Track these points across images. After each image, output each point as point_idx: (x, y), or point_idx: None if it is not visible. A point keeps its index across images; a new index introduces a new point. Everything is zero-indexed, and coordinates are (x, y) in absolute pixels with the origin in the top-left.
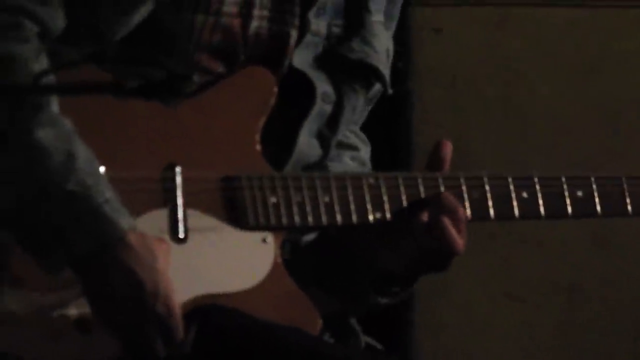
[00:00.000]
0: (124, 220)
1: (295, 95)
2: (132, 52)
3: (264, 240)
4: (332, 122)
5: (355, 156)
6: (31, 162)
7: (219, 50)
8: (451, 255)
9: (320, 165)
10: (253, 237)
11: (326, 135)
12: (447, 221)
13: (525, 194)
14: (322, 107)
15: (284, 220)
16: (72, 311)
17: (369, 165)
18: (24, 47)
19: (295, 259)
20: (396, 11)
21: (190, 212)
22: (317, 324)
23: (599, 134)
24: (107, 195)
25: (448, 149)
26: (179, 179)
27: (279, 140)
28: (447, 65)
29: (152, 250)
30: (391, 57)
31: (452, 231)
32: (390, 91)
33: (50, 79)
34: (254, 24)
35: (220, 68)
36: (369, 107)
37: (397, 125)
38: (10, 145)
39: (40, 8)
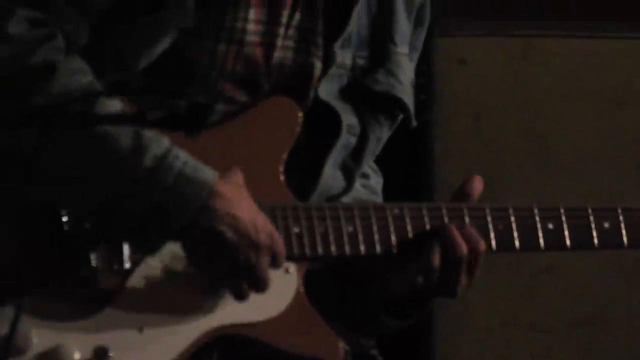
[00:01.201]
0: (207, 174)
1: (321, 126)
2: (155, 81)
3: (287, 271)
4: (357, 153)
5: (366, 184)
6: (103, 151)
7: (242, 80)
8: (455, 285)
9: (343, 197)
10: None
11: (350, 167)
12: (438, 251)
13: (550, 225)
14: (347, 138)
15: (307, 251)
16: (92, 342)
17: (379, 194)
18: (62, 54)
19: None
20: (419, 43)
21: None
22: (340, 354)
23: (623, 165)
24: (183, 158)
25: (477, 183)
26: None
27: (304, 171)
28: (470, 96)
29: (240, 189)
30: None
31: (436, 262)
32: (414, 123)
33: (97, 86)
34: (278, 54)
35: (243, 97)
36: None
37: (420, 156)
38: (79, 144)
39: (67, 24)
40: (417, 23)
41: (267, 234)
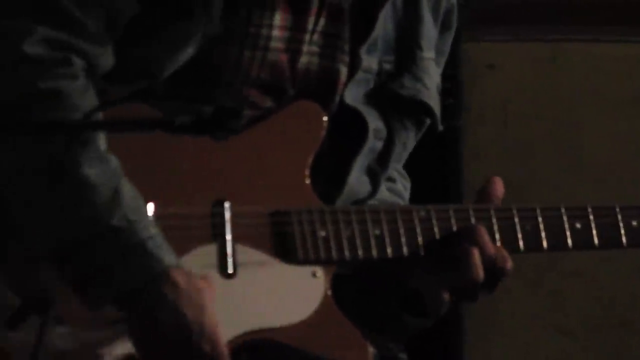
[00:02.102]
0: (168, 257)
1: (347, 131)
2: (180, 88)
3: (314, 275)
4: (382, 158)
5: (392, 187)
6: (79, 199)
7: (267, 86)
8: (474, 287)
9: (369, 201)
10: (303, 271)
11: (376, 171)
12: (474, 252)
13: (578, 225)
14: (374, 143)
15: (334, 254)
16: (118, 350)
17: (406, 198)
18: (72, 83)
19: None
20: (446, 47)
21: (239, 247)
22: (369, 358)
23: None
24: (152, 232)
25: (498, 185)
26: (227, 214)
27: (330, 175)
28: (498, 102)
29: (197, 287)
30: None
31: (476, 261)
32: (441, 127)
33: (98, 115)
34: (303, 60)
35: (269, 103)
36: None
37: (448, 161)
38: (59, 182)
39: (89, 46)
40: (443, 27)
41: (211, 343)
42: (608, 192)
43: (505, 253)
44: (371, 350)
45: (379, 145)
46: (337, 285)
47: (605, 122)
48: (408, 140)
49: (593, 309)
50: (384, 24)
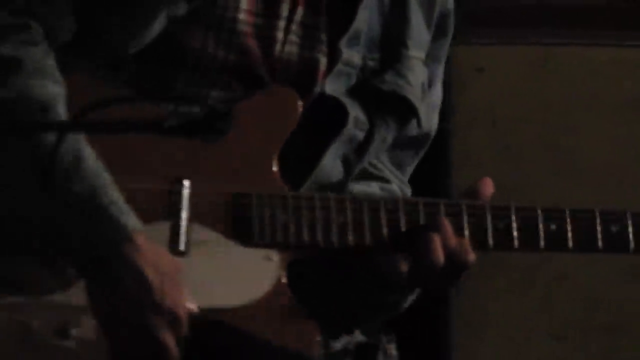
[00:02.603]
0: (131, 221)
1: (327, 118)
2: (147, 66)
3: (269, 258)
4: (361, 149)
5: (385, 187)
6: (40, 163)
7: (238, 70)
8: (433, 271)
9: (340, 188)
10: (257, 254)
11: (352, 161)
12: (435, 238)
13: (553, 226)
14: (354, 132)
15: (292, 239)
16: (52, 317)
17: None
18: (32, 49)
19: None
20: (442, 53)
21: (195, 226)
22: (315, 348)
23: None
24: (114, 197)
25: (487, 186)
26: (186, 192)
27: (303, 156)
28: (488, 105)
29: (158, 251)
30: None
31: (436, 246)
32: (423, 126)
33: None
34: (281, 49)
35: (241, 88)
36: (419, 154)
37: (437, 164)
38: (17, 150)
39: (49, 13)
40: (438, 33)
41: (172, 303)
42: (599, 196)
43: (468, 246)
44: (318, 339)
45: (360, 135)
46: (301, 272)
47: (595, 126)
48: (388, 136)
49: (582, 311)
50: (369, 21)
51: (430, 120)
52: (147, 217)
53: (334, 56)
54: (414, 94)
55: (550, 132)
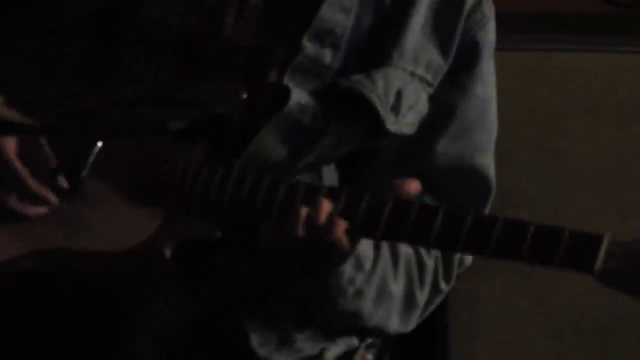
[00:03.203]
0: None
1: (273, 105)
2: (88, 40)
3: (153, 216)
4: (310, 139)
5: None
6: None
7: (181, 51)
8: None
9: (283, 170)
10: (142, 211)
11: (299, 147)
12: (302, 209)
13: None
14: (298, 117)
15: (181, 198)
16: None
17: None
18: None
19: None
20: (468, 85)
21: (92, 177)
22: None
23: (637, 180)
24: None
25: (409, 185)
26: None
27: (241, 136)
28: None
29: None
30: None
31: (301, 216)
32: (389, 127)
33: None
34: (231, 34)
35: (186, 69)
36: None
37: None
38: None
39: None
40: (460, 63)
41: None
42: (596, 201)
43: (336, 224)
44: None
45: (306, 122)
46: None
47: (593, 131)
48: (343, 134)
49: (575, 314)
50: (355, 26)
51: (450, 149)
52: None
53: (292, 49)
54: (374, 93)
55: (548, 137)
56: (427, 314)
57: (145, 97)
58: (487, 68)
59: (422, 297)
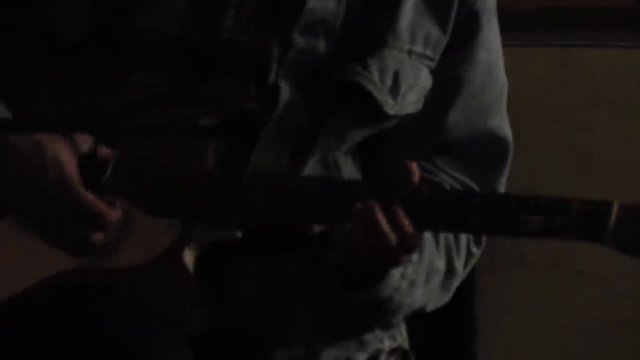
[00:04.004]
0: None
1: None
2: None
3: (171, 226)
4: (311, 139)
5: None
6: None
7: (182, 53)
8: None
9: (287, 172)
10: (160, 222)
11: (299, 148)
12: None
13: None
14: (293, 117)
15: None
16: None
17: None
18: None
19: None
20: (473, 55)
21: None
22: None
23: None
24: None
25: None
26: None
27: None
28: (511, 106)
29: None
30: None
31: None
32: (388, 110)
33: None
34: (229, 36)
35: (183, 72)
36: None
37: None
38: None
39: None
40: (461, 36)
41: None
42: (619, 197)
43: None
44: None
45: (301, 121)
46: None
47: (617, 127)
48: (342, 127)
49: (599, 308)
50: (346, 13)
51: (461, 120)
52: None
53: (286, 44)
54: (370, 81)
55: (572, 132)
56: (461, 280)
57: (161, 99)
58: (489, 34)
59: (460, 265)
